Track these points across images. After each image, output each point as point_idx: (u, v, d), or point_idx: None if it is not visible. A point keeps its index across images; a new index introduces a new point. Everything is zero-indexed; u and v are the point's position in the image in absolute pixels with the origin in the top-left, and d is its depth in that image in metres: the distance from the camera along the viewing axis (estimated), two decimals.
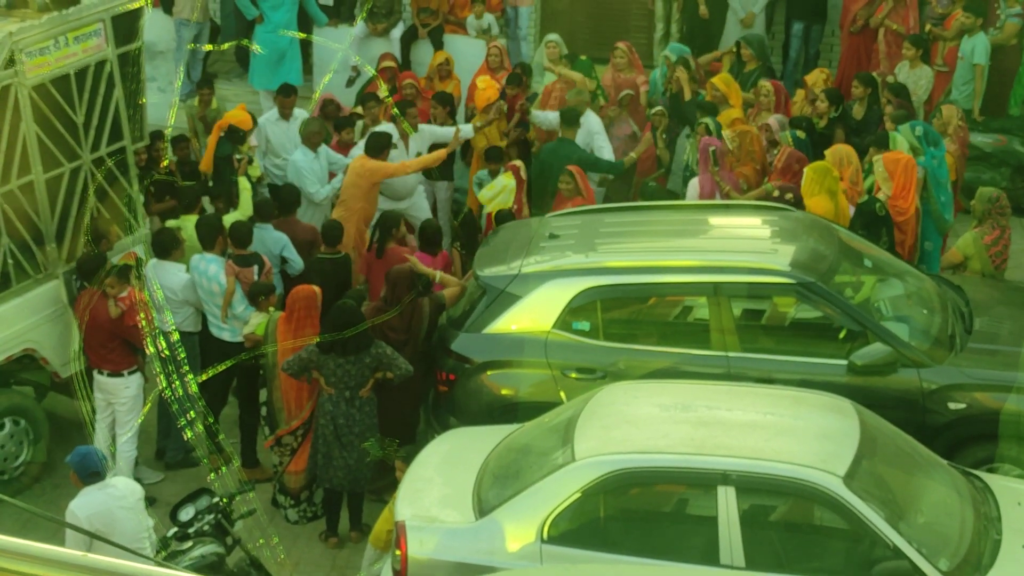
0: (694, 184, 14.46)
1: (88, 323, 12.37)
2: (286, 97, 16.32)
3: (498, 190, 14.87)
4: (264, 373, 12.42)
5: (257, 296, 12.67)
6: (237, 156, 15.27)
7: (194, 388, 12.18)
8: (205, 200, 14.80)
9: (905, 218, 13.71)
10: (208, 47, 19.69)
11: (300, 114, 16.30)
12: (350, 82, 19.15)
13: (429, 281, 12.64)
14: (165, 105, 16.67)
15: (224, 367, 12.49)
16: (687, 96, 16.06)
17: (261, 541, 10.88)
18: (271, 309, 12.61)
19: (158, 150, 15.08)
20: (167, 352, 12.16)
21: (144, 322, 12.09)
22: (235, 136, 15.41)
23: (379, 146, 14.94)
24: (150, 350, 12.12)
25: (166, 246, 13.00)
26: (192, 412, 12.01)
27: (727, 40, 18.97)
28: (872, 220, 13.40)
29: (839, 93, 16.39)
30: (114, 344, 12.35)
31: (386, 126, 15.66)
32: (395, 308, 12.08)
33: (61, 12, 12.54)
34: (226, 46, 19.60)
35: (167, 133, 15.31)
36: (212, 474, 11.95)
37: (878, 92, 16.24)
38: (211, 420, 12.55)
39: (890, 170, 13.75)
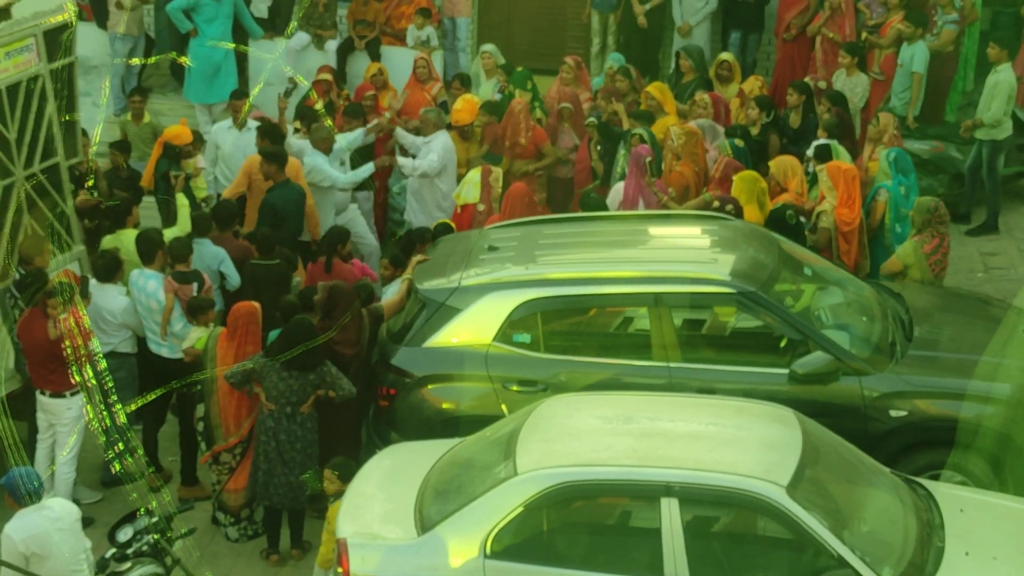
0: (618, 188, 14.46)
1: (29, 343, 12.22)
2: (238, 100, 16.24)
3: (464, 183, 14.98)
4: (201, 388, 12.30)
5: (195, 311, 12.55)
6: (174, 173, 15.10)
7: (123, 419, 12.04)
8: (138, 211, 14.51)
9: (850, 228, 13.73)
10: (134, 61, 19.49)
11: (250, 124, 16.12)
12: (287, 93, 19.06)
13: (370, 296, 12.57)
14: (100, 120, 16.44)
15: (160, 392, 12.45)
16: (626, 126, 15.99)
17: (183, 531, 10.72)
18: (210, 324, 12.50)
19: (94, 162, 14.88)
20: (94, 382, 12.01)
21: (81, 347, 11.93)
22: (170, 152, 15.24)
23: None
24: (75, 379, 11.98)
25: (109, 269, 12.89)
26: (121, 445, 11.89)
27: (669, 51, 19.08)
28: (783, 228, 13.34)
29: (770, 99, 16.47)
30: (55, 365, 12.14)
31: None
32: (335, 323, 12.00)
33: None
34: (153, 60, 19.44)
35: (92, 150, 15.05)
36: (149, 495, 11.81)
37: (813, 100, 16.32)
38: (140, 453, 12.43)
39: (834, 179, 13.78)
